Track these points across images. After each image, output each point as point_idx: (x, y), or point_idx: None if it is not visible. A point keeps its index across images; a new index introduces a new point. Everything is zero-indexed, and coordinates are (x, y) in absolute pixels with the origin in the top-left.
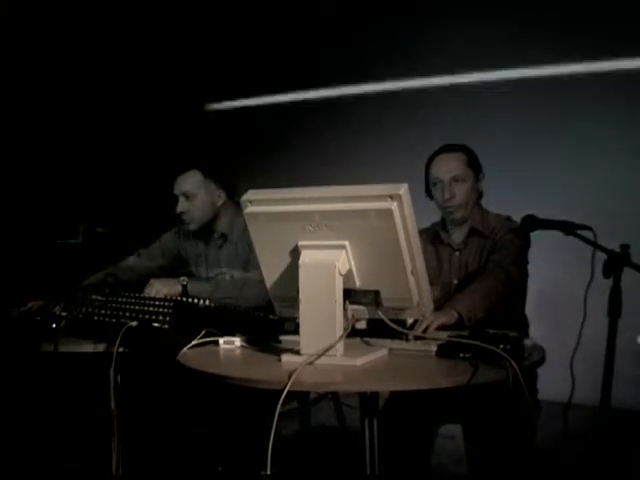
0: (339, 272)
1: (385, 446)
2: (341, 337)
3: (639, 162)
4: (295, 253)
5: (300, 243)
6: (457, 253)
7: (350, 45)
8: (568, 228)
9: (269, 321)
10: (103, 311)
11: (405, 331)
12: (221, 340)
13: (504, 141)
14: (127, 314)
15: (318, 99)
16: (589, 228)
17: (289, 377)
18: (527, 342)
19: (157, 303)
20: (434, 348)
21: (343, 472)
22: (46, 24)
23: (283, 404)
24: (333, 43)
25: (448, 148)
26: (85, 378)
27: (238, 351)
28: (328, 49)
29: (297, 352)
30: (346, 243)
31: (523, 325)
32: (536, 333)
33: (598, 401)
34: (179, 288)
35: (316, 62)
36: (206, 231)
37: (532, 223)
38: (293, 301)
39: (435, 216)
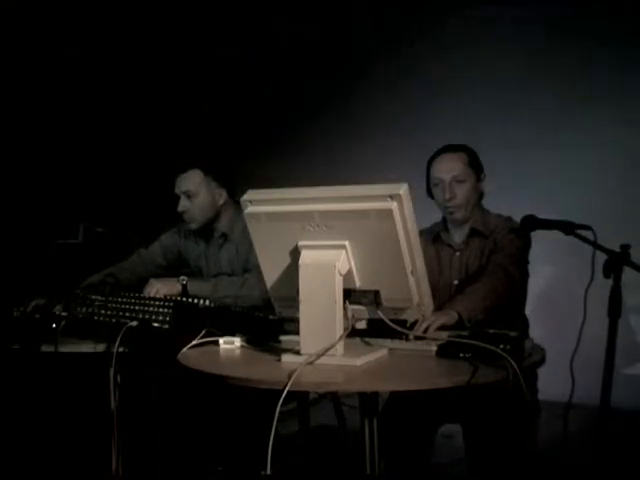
0: (339, 272)
1: (385, 446)
2: (341, 337)
3: (639, 162)
4: (295, 253)
5: (300, 243)
6: (458, 253)
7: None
8: (568, 228)
9: (269, 321)
10: (103, 311)
11: (405, 331)
12: (221, 340)
13: (503, 140)
14: (127, 314)
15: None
16: (589, 228)
17: (289, 377)
18: (527, 342)
19: (157, 303)
20: (434, 348)
21: (343, 472)
22: (45, 22)
23: (283, 404)
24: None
25: (449, 148)
26: (85, 378)
27: (238, 351)
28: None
29: (297, 352)
30: (346, 243)
31: (523, 325)
32: (536, 333)
33: (598, 401)
34: (179, 288)
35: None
36: (207, 230)
37: (532, 223)
38: (293, 301)
39: (436, 216)
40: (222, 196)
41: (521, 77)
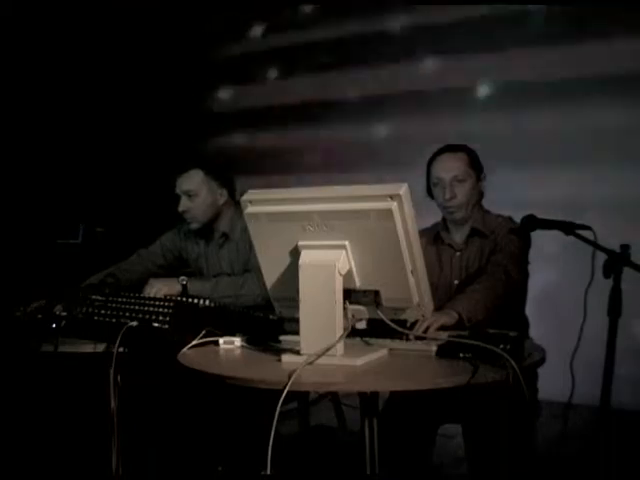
0: (339, 272)
1: (385, 446)
2: (341, 337)
3: (639, 161)
4: (295, 253)
5: (300, 243)
6: (458, 253)
7: None
8: (568, 228)
9: (269, 321)
10: (103, 311)
11: (405, 331)
12: (221, 340)
13: (504, 139)
14: (127, 314)
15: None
16: (589, 228)
17: (289, 377)
18: (527, 342)
19: (157, 303)
20: (434, 348)
21: (343, 472)
22: (45, 21)
23: (283, 404)
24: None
25: (450, 148)
26: (85, 378)
27: (238, 351)
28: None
29: (297, 352)
30: (346, 243)
31: (523, 325)
32: (536, 333)
33: (598, 401)
34: (179, 288)
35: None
36: (207, 230)
37: (532, 223)
38: (293, 301)
39: (436, 216)
40: (223, 196)
41: (522, 81)
